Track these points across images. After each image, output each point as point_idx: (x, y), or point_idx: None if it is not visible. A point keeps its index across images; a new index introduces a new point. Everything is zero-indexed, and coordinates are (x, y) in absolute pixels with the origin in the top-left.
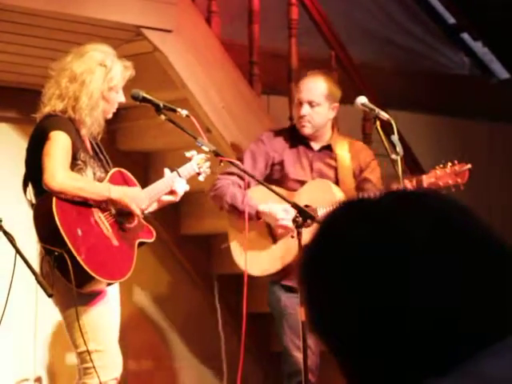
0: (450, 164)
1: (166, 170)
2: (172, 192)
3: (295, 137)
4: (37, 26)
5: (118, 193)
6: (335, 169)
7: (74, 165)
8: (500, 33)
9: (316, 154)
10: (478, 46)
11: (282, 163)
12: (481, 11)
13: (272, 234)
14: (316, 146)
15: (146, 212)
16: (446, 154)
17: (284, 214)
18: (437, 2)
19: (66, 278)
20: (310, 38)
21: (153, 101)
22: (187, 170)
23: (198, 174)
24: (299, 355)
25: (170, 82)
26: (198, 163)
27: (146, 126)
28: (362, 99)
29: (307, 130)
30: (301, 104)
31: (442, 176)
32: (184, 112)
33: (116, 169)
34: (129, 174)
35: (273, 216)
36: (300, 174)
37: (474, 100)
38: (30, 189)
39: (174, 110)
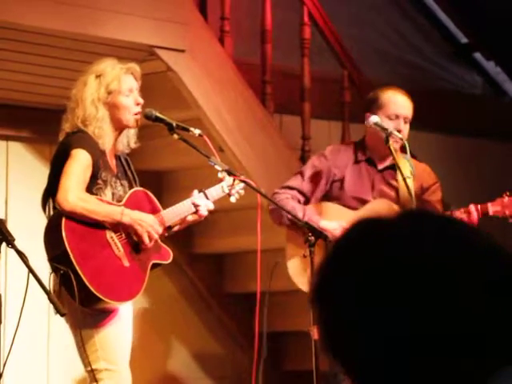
0: None
1: (195, 191)
2: (196, 212)
3: (360, 153)
4: (52, 46)
5: (130, 218)
6: (396, 189)
7: (94, 184)
8: None
9: (379, 174)
10: (491, 66)
11: (342, 180)
12: (493, 31)
13: None
14: (380, 165)
15: (172, 231)
16: (458, 173)
17: None
18: (449, 22)
19: (72, 296)
20: (322, 58)
21: (166, 120)
22: (216, 191)
23: (229, 195)
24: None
25: (182, 101)
26: (229, 184)
27: (158, 145)
28: (374, 118)
29: (398, 147)
30: (397, 118)
31: (509, 205)
32: (197, 131)
33: (137, 189)
34: (150, 195)
35: (334, 234)
36: (360, 192)
37: (487, 120)
38: (50, 204)
39: (187, 130)
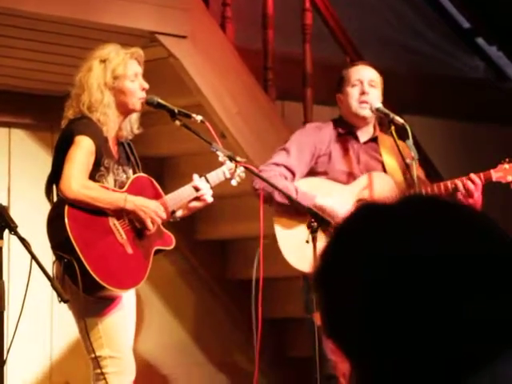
0: None
1: (195, 176)
2: (199, 198)
3: (342, 128)
4: (53, 32)
5: (133, 205)
6: (382, 163)
7: (97, 171)
8: None
9: (362, 146)
10: (493, 51)
11: (329, 155)
12: (496, 16)
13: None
14: (363, 137)
15: (177, 216)
16: (460, 158)
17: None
18: (452, 7)
19: (76, 284)
20: (324, 44)
21: (167, 106)
22: (217, 175)
23: (230, 178)
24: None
25: (184, 87)
26: (230, 168)
27: (160, 131)
28: (376, 104)
29: (367, 112)
30: (361, 83)
31: (510, 170)
32: (199, 118)
33: (139, 174)
34: (153, 181)
35: (332, 213)
36: (347, 165)
37: (489, 104)
38: (54, 191)
39: (189, 116)
